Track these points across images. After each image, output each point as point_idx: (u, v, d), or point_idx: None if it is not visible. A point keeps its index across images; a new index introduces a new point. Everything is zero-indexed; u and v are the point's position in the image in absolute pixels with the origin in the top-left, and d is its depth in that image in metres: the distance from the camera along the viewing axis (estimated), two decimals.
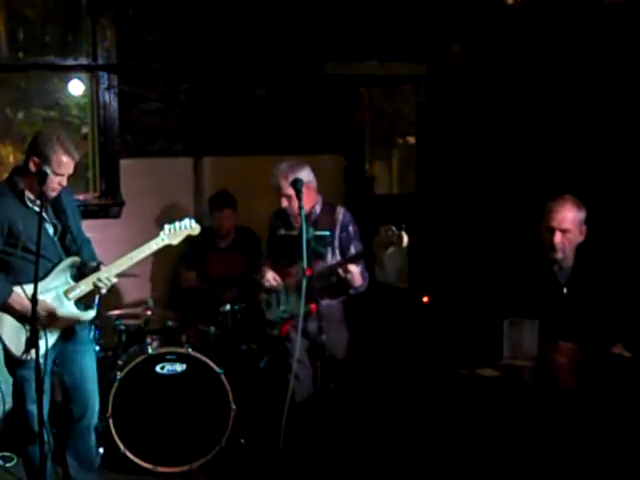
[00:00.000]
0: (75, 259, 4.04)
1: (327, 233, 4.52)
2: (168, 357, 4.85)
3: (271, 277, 4.69)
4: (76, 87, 5.99)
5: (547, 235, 4.07)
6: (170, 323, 5.21)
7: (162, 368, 4.84)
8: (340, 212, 4.66)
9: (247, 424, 5.04)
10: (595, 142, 4.83)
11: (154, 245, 4.10)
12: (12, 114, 6.01)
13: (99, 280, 3.99)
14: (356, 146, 6.51)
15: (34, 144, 3.90)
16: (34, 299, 3.59)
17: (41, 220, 3.65)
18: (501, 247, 4.95)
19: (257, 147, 6.19)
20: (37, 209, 3.88)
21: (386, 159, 6.96)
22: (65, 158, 3.86)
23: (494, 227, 5.27)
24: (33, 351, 3.71)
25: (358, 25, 6.20)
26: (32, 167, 3.88)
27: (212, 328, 5.25)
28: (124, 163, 5.91)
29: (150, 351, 4.84)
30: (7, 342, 3.92)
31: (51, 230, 4.01)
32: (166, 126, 6.01)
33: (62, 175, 3.89)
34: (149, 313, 5.10)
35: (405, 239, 4.02)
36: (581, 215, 4.07)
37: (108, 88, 5.83)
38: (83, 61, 5.85)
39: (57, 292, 3.99)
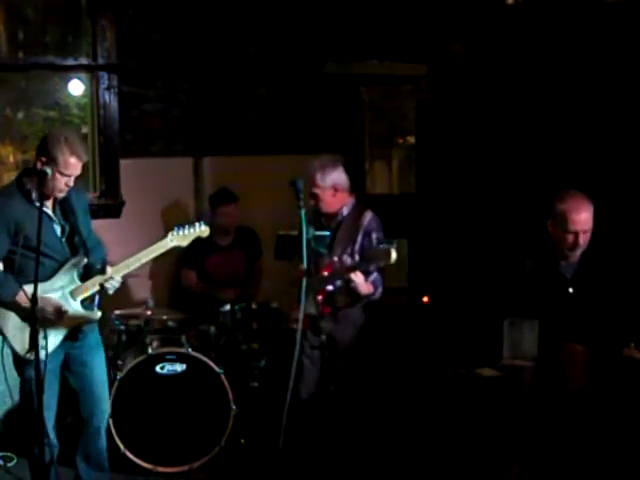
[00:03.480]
0: (81, 259, 4.02)
1: (327, 233, 4.51)
2: (168, 357, 4.85)
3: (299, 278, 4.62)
4: (76, 87, 5.99)
5: (568, 238, 4.04)
6: (170, 323, 5.20)
7: (162, 368, 4.84)
8: (366, 217, 4.52)
9: (247, 424, 5.04)
10: (596, 141, 4.83)
11: (162, 247, 4.09)
12: (12, 114, 6.01)
13: (106, 281, 4.00)
14: (356, 146, 6.51)
15: (42, 145, 3.91)
16: (34, 299, 3.59)
17: (40, 219, 3.64)
18: (502, 247, 4.94)
19: (257, 147, 6.19)
20: (46, 209, 3.89)
21: (386, 159, 6.96)
22: (72, 159, 3.86)
23: (495, 227, 5.26)
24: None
25: (358, 25, 6.20)
26: (39, 167, 3.88)
27: (212, 328, 5.24)
28: (124, 163, 5.91)
29: (150, 351, 4.84)
30: (12, 341, 3.92)
31: (59, 230, 4.01)
32: (166, 126, 6.01)
33: (69, 176, 3.89)
34: (149, 313, 5.10)
35: (393, 255, 3.96)
36: (592, 209, 4.08)
37: (108, 88, 5.83)
38: (83, 61, 5.85)
39: (63, 292, 3.98)
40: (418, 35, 6.19)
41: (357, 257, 4.46)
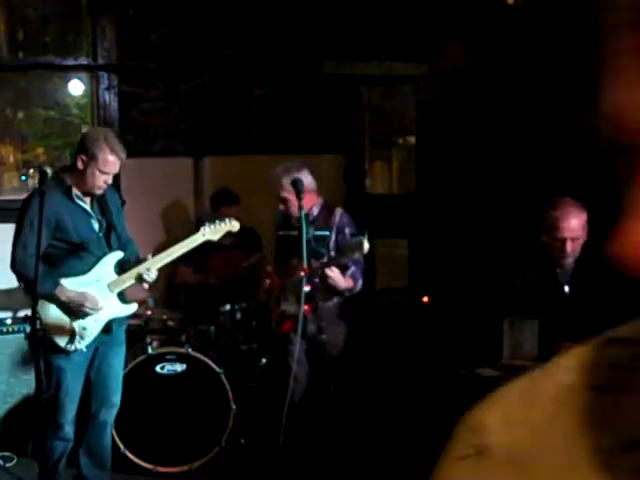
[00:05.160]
0: (119, 253, 4.12)
1: (327, 233, 4.52)
2: (168, 357, 4.85)
3: (266, 281, 4.71)
4: (76, 87, 6.00)
5: (557, 245, 4.04)
6: (170, 323, 5.21)
7: (162, 368, 4.84)
8: (337, 214, 4.59)
9: (247, 424, 5.04)
10: (595, 140, 4.83)
11: (194, 241, 4.17)
12: (12, 114, 6.02)
13: (144, 272, 4.06)
14: (356, 146, 6.51)
15: (82, 143, 4.03)
16: (34, 297, 3.64)
17: (41, 218, 3.68)
18: (501, 247, 4.94)
19: (257, 147, 6.19)
20: (84, 205, 4.05)
21: (386, 159, 6.96)
22: (111, 157, 3.97)
23: (494, 227, 5.27)
24: (77, 342, 3.96)
25: (358, 25, 6.20)
26: (80, 165, 3.98)
27: (212, 328, 5.25)
28: (124, 163, 5.90)
29: (150, 351, 4.84)
30: (53, 332, 3.99)
31: (96, 226, 4.11)
32: (166, 126, 6.01)
33: (107, 173, 4.00)
34: (149, 313, 5.10)
35: (365, 245, 3.96)
36: (585, 217, 4.07)
37: (108, 88, 5.83)
38: (83, 61, 5.86)
39: (101, 285, 4.07)
40: (418, 34, 6.19)
41: (333, 254, 4.50)
